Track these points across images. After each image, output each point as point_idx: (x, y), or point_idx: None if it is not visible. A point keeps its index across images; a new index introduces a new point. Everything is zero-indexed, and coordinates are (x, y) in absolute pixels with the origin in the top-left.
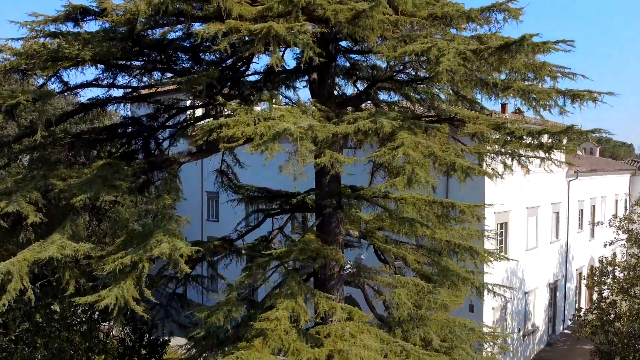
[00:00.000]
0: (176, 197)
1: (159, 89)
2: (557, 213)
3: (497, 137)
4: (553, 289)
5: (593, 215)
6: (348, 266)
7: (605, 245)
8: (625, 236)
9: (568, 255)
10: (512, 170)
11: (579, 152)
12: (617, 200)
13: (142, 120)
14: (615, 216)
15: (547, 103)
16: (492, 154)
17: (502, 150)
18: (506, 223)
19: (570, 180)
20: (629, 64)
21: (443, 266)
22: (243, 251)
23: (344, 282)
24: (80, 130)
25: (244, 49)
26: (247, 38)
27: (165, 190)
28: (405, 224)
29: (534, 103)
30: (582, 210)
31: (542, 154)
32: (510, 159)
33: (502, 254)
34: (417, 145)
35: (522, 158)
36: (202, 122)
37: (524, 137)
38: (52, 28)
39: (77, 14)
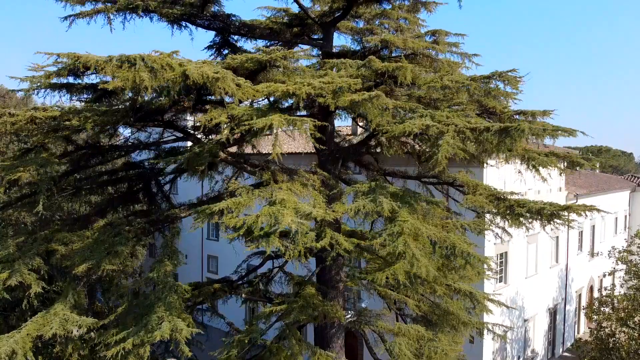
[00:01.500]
0: (177, 262)
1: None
2: (557, 237)
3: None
4: (553, 312)
5: (593, 235)
6: (348, 315)
7: (604, 275)
8: (624, 266)
9: (568, 278)
10: (511, 236)
11: (578, 169)
12: (616, 218)
13: (143, 164)
14: (614, 247)
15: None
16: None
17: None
18: (506, 252)
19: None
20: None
21: (443, 309)
22: (243, 295)
23: (345, 328)
24: (81, 175)
25: (247, 136)
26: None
27: (166, 254)
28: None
29: (534, 167)
30: (582, 232)
31: (543, 220)
32: (509, 224)
33: (503, 303)
34: (417, 232)
35: (523, 224)
36: (202, 207)
37: (523, 213)
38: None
39: (78, 69)
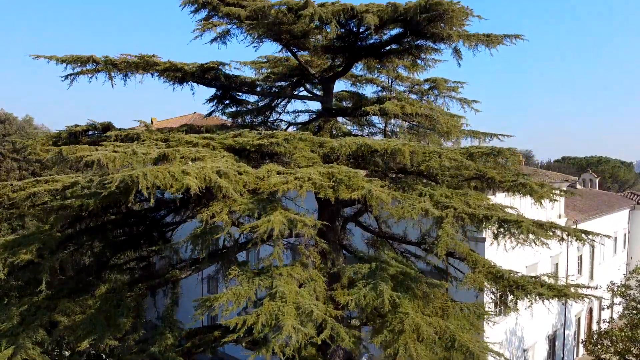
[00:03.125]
0: (177, 334)
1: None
2: (557, 264)
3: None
4: (552, 339)
5: (592, 257)
6: None
7: (603, 309)
8: (623, 300)
9: (567, 303)
10: (515, 310)
11: (578, 186)
12: (616, 238)
13: (145, 213)
14: (612, 282)
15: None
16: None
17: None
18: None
19: None
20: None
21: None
22: (243, 344)
23: None
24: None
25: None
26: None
27: (166, 326)
28: None
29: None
30: (581, 255)
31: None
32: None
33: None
34: (418, 329)
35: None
36: (200, 298)
37: (522, 296)
38: None
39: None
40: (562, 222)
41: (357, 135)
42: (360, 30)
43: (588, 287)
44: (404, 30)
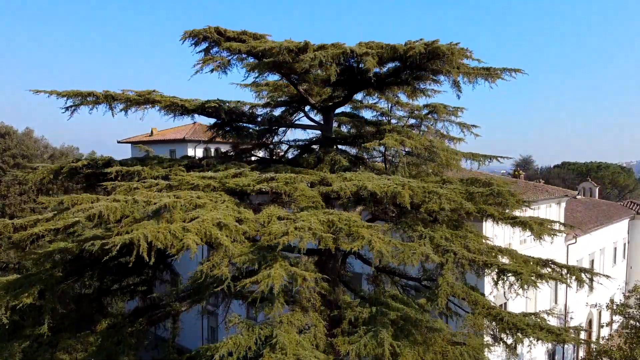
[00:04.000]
0: None
1: None
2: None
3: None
4: (552, 354)
5: (592, 268)
6: None
7: (602, 326)
8: (623, 319)
9: (567, 317)
10: (514, 355)
11: (578, 196)
12: (615, 248)
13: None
14: (612, 300)
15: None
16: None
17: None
18: (505, 304)
19: (569, 244)
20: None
21: None
22: None
23: None
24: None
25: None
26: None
27: None
28: None
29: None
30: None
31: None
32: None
33: None
34: None
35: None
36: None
37: (522, 337)
38: None
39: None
40: (561, 239)
41: (357, 158)
42: (360, 67)
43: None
44: (403, 66)
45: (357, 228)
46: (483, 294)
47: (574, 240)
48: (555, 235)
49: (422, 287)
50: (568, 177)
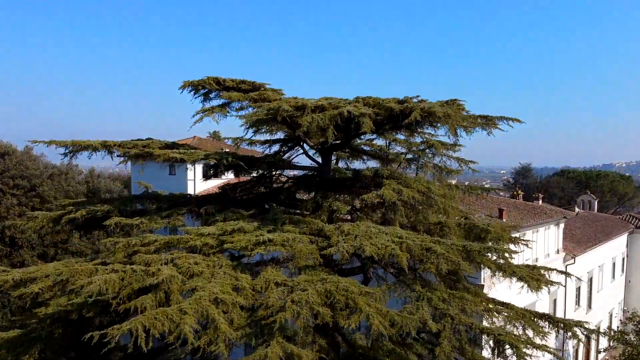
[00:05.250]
0: None
1: None
2: (555, 300)
3: None
4: None
5: (590, 286)
6: None
7: (600, 352)
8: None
9: (565, 335)
10: None
11: (577, 209)
12: (614, 264)
13: None
14: (610, 328)
15: None
16: None
17: None
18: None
19: (567, 265)
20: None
21: None
22: None
23: None
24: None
25: None
26: None
27: None
28: None
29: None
30: (579, 287)
31: None
32: None
33: None
34: None
35: None
36: None
37: None
38: None
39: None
40: (560, 257)
41: (355, 210)
42: (358, 123)
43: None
44: (399, 125)
45: (355, 297)
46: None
47: (572, 261)
48: (552, 285)
49: (420, 338)
50: (567, 186)
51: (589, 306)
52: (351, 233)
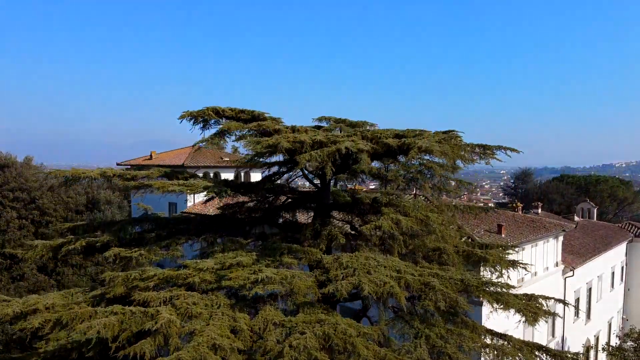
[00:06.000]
0: None
1: None
2: (554, 312)
3: None
4: None
5: (589, 296)
6: None
7: None
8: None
9: (564, 347)
10: None
11: (576, 218)
12: (613, 273)
13: None
14: (608, 344)
15: None
16: None
17: None
18: None
19: (566, 277)
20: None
21: None
22: None
23: None
24: None
25: None
26: None
27: None
28: None
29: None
30: (578, 298)
31: None
32: None
33: None
34: None
35: None
36: None
37: None
38: None
39: None
40: (559, 270)
41: (355, 235)
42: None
43: None
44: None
45: (354, 341)
46: None
47: (571, 274)
48: (550, 316)
49: None
50: (567, 192)
51: (588, 317)
52: (349, 266)
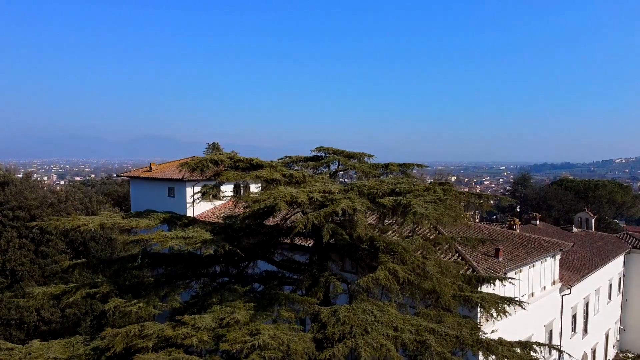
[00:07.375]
0: None
1: None
2: (551, 331)
3: None
4: None
5: (586, 310)
6: None
7: None
8: None
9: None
10: None
11: (574, 229)
12: (611, 285)
13: None
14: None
15: None
16: None
17: None
18: None
19: (563, 295)
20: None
21: None
22: None
23: None
24: None
25: None
26: None
27: None
28: None
29: None
30: (575, 314)
31: None
32: None
33: None
34: None
35: None
36: None
37: None
38: None
39: None
40: (556, 288)
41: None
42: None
43: None
44: None
45: None
46: None
47: (568, 292)
48: None
49: None
50: (566, 198)
51: (585, 331)
52: (347, 322)
